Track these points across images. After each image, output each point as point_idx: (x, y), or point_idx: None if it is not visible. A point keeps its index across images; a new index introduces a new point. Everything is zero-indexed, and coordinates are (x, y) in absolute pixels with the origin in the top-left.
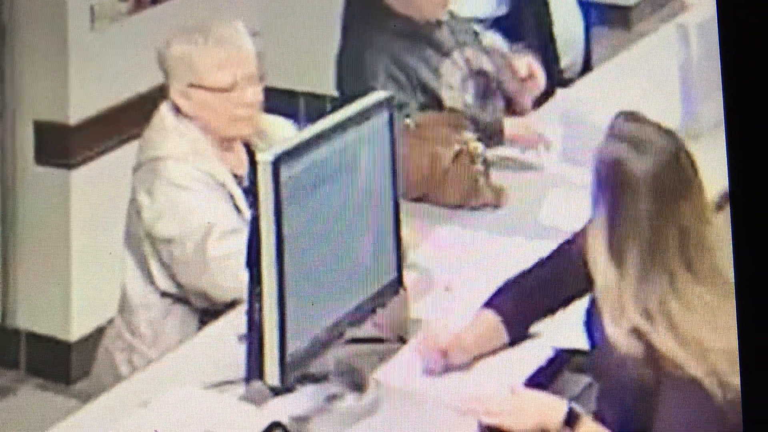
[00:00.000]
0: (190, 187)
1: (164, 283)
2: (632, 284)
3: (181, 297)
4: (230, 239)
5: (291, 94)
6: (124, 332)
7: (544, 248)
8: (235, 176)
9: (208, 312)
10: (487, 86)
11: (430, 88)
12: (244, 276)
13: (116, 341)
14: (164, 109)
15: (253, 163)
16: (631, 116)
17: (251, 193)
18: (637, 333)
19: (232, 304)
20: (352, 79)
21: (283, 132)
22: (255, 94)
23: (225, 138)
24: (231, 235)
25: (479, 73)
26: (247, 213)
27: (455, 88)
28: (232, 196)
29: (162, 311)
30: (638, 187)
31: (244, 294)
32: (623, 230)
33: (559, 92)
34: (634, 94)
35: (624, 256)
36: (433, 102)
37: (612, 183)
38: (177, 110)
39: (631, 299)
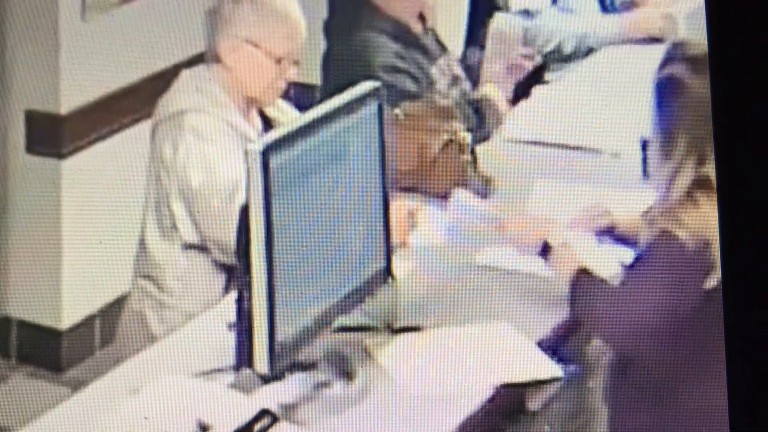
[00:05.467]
0: (215, 139)
1: (188, 234)
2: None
3: (203, 247)
4: None
5: None
6: (152, 291)
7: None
8: None
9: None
10: (463, 92)
11: (424, 92)
12: None
13: (145, 301)
14: (185, 74)
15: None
16: (681, 43)
17: None
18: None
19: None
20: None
21: (289, 116)
22: (293, 74)
23: (249, 99)
24: None
25: (457, 80)
26: None
27: (443, 93)
28: None
29: (187, 264)
30: (694, 97)
31: None
32: (677, 128)
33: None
34: (623, 84)
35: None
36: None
37: (672, 98)
38: (212, 61)
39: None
